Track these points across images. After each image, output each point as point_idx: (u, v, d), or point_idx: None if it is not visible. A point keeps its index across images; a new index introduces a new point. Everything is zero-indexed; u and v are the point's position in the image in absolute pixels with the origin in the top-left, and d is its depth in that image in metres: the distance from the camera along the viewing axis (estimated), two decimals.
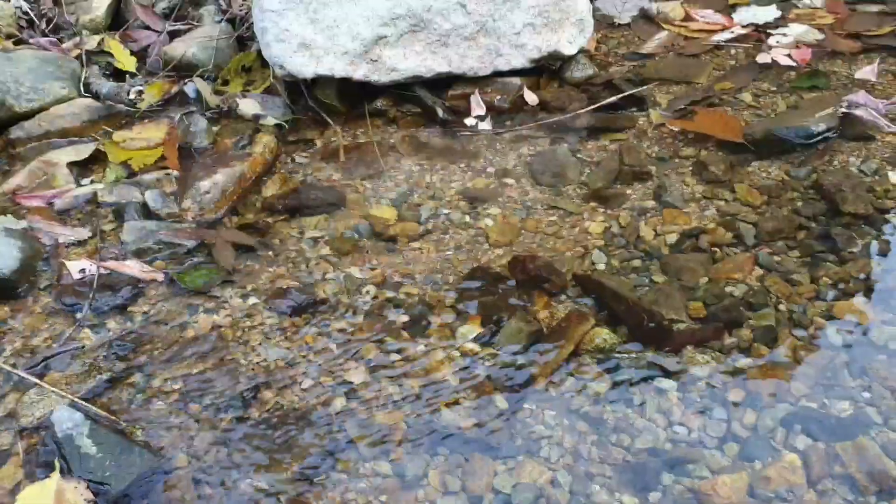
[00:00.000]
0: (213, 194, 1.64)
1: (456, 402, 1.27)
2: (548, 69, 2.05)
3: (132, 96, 1.92)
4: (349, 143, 1.90)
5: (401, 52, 1.90)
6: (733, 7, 2.35)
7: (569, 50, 1.98)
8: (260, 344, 1.37)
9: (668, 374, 1.29)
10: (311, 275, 1.53)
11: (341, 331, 1.40)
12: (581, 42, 1.99)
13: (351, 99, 1.99)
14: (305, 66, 1.86)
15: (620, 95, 1.95)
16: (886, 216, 1.56)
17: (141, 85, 1.95)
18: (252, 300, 1.46)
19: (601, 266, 1.53)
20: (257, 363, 1.34)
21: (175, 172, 1.73)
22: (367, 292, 1.49)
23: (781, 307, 1.40)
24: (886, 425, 1.18)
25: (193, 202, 1.63)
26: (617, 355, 1.33)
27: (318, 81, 1.95)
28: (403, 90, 1.99)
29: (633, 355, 1.33)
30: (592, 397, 1.27)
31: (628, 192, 1.72)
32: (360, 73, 1.90)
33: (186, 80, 2.03)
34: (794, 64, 2.04)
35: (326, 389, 1.29)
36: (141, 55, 2.17)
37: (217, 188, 1.65)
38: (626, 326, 1.38)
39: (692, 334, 1.36)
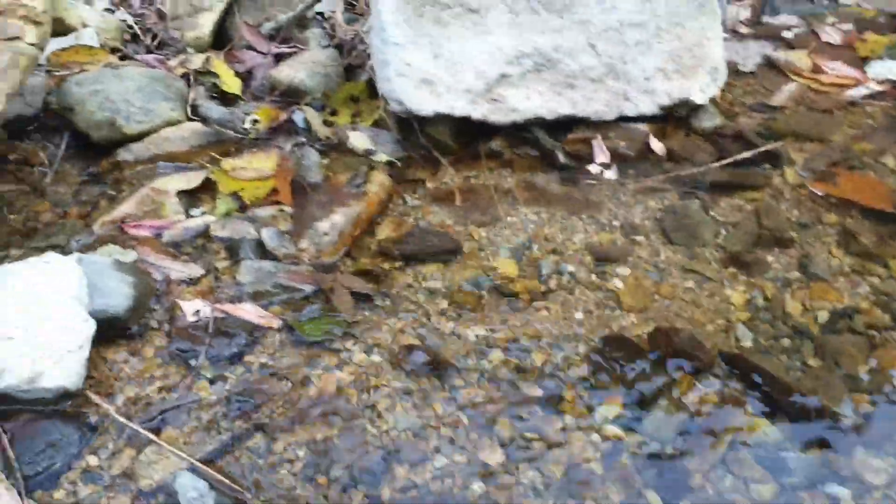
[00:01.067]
0: (331, 236, 1.55)
1: (605, 497, 1.15)
2: (673, 116, 1.94)
3: (247, 125, 1.84)
4: (462, 186, 1.81)
5: (524, 92, 1.81)
6: (865, 60, 2.21)
7: (700, 98, 1.87)
8: (387, 409, 1.27)
9: (840, 479, 1.17)
10: (433, 332, 1.43)
11: (471, 400, 1.30)
12: (713, 91, 1.88)
13: (464, 137, 1.90)
14: (425, 103, 1.77)
15: (755, 151, 1.83)
16: None
17: (254, 113, 1.87)
18: (376, 357, 1.36)
19: (748, 343, 1.41)
20: (385, 431, 1.24)
21: (289, 208, 1.64)
22: (494, 357, 1.38)
23: None
24: None
25: (311, 243, 1.54)
26: (780, 453, 1.21)
27: (432, 118, 1.86)
28: (520, 131, 1.89)
29: (798, 454, 1.21)
30: (757, 501, 1.15)
31: (769, 259, 1.59)
32: (479, 112, 1.80)
33: (294, 108, 1.95)
34: None
35: (461, 469, 1.19)
36: (244, 77, 2.10)
37: (335, 230, 1.57)
38: (786, 417, 1.26)
39: (862, 435, 1.23)
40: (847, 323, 1.44)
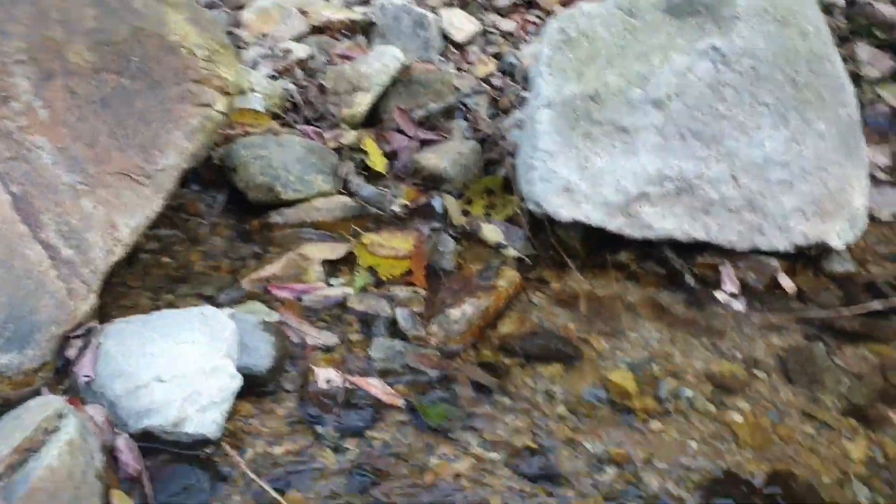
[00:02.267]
0: (461, 325, 1.62)
1: None
2: (805, 256, 1.94)
3: (396, 208, 1.95)
4: (587, 293, 1.85)
5: (660, 211, 1.85)
6: None
7: (836, 243, 1.87)
8: None
9: None
10: (549, 436, 1.46)
11: None
12: (850, 238, 1.88)
13: (593, 245, 1.95)
14: (563, 209, 1.83)
15: (888, 302, 1.81)
16: None
17: (401, 195, 1.98)
18: (492, 454, 1.40)
19: (863, 500, 1.38)
20: None
21: (423, 291, 1.72)
22: (608, 472, 1.40)
23: None
24: None
25: (441, 329, 1.61)
26: None
27: (567, 223, 1.92)
28: (650, 247, 1.93)
29: None
30: None
31: (893, 416, 1.57)
32: (614, 224, 1.85)
33: (434, 194, 2.05)
34: None
35: None
36: (390, 157, 2.21)
37: (465, 319, 1.63)
38: None
39: None
40: None
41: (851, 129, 1.88)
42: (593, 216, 1.84)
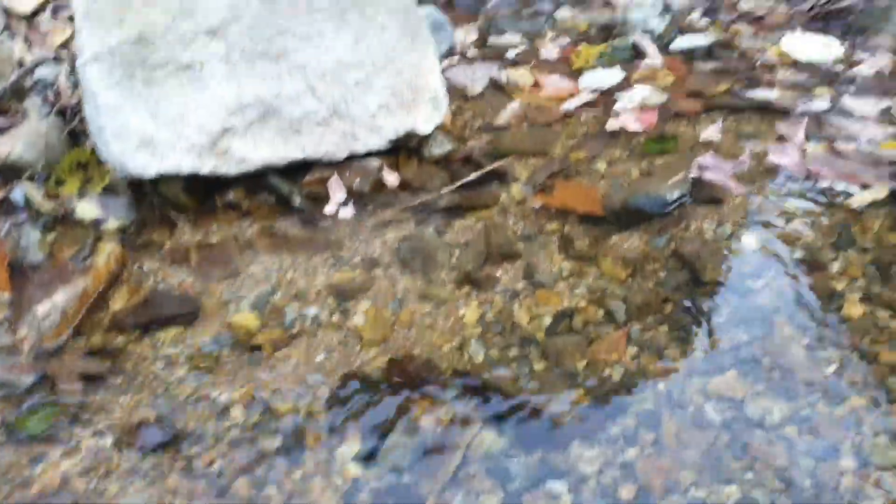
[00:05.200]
0: (52, 318, 1.49)
1: None
2: (406, 147, 2.01)
3: None
4: (201, 242, 1.79)
5: (251, 142, 1.81)
6: (579, 72, 2.40)
7: (425, 128, 1.95)
8: (118, 494, 1.23)
9: (558, 475, 1.26)
10: (170, 401, 1.40)
11: (209, 466, 1.28)
12: (437, 120, 1.97)
13: (200, 192, 1.87)
14: (148, 165, 1.73)
15: (480, 172, 1.93)
16: (745, 282, 1.61)
17: None
18: (107, 439, 1.32)
19: (480, 358, 1.49)
20: None
21: (6, 295, 1.55)
22: (234, 416, 1.38)
23: (660, 387, 1.40)
24: None
25: (31, 329, 1.47)
26: (506, 460, 1.29)
27: (164, 177, 1.82)
28: (257, 179, 1.89)
29: (521, 458, 1.29)
30: None
31: (499, 273, 1.69)
32: (208, 167, 1.79)
33: (14, 185, 1.85)
34: (642, 128, 2.09)
35: None
36: None
37: (56, 311, 1.50)
38: (512, 424, 1.35)
39: (578, 428, 1.34)
40: (567, 324, 1.56)
41: (411, 15, 1.94)
42: (183, 164, 1.76)
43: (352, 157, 1.92)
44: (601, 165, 1.99)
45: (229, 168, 1.81)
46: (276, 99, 1.81)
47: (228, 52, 1.77)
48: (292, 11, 1.80)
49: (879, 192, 1.76)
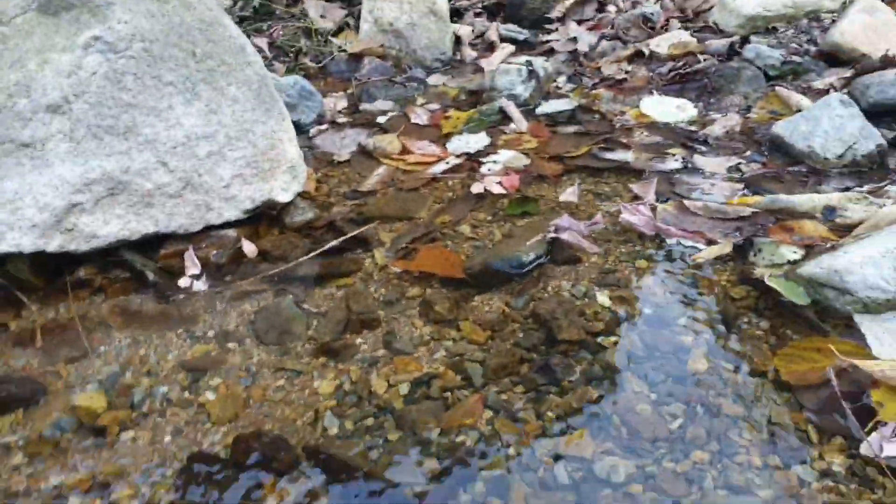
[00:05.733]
0: None
1: None
2: (267, 216, 1.99)
3: None
4: (49, 322, 1.71)
5: (100, 217, 1.76)
6: (448, 136, 2.45)
7: (284, 197, 1.94)
8: None
9: None
10: (5, 491, 1.31)
11: None
12: (296, 188, 1.96)
13: (50, 270, 1.80)
14: None
15: (342, 239, 1.93)
16: (598, 339, 1.64)
17: None
18: None
19: (334, 430, 1.46)
20: None
21: None
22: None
23: (511, 451, 1.40)
24: None
25: None
26: None
27: (9, 255, 1.75)
28: (111, 254, 1.84)
29: None
30: None
31: (358, 341, 1.67)
32: (54, 244, 1.73)
33: None
34: (505, 191, 2.14)
35: None
36: None
37: None
38: (363, 499, 1.31)
39: (429, 498, 1.31)
40: (425, 390, 1.54)
41: (263, 86, 1.94)
42: (24, 242, 1.70)
43: (210, 228, 1.89)
44: (465, 228, 2.01)
45: (79, 245, 1.75)
46: (125, 174, 1.77)
47: (73, 128, 1.73)
48: (139, 86, 1.78)
49: (724, 247, 1.84)
